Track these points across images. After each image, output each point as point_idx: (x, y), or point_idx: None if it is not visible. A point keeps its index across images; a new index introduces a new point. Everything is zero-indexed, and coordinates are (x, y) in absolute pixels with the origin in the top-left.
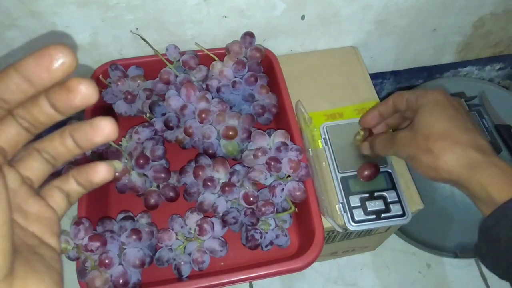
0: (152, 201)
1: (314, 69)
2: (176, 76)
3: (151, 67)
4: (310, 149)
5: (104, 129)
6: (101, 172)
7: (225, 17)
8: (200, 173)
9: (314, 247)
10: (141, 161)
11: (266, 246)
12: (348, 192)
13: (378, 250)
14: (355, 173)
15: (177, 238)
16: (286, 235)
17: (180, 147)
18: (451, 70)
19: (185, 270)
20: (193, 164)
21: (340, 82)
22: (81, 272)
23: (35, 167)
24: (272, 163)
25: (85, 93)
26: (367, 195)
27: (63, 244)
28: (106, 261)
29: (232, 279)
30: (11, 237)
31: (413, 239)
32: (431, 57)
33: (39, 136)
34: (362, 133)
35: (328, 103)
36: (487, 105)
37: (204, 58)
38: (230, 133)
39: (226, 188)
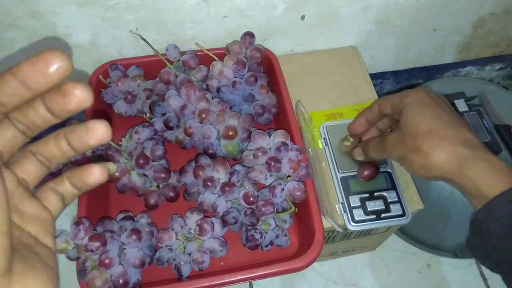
0: (152, 201)
1: (314, 69)
2: (176, 76)
3: (151, 67)
4: (310, 149)
5: (98, 132)
6: (95, 174)
7: (225, 17)
8: (200, 173)
9: (314, 247)
10: (141, 161)
11: (266, 246)
12: (348, 192)
13: (378, 250)
14: (355, 173)
15: (177, 238)
16: (286, 235)
17: (180, 147)
18: (451, 70)
19: (185, 270)
20: (193, 164)
21: (340, 82)
22: (81, 272)
23: (30, 169)
24: (272, 163)
25: (80, 97)
26: (367, 195)
27: (63, 244)
28: (106, 261)
29: (232, 279)
30: (10, 235)
31: (413, 239)
32: (431, 57)
33: (35, 139)
34: (351, 139)
35: (328, 103)
36: (487, 105)
37: (204, 58)
38: (230, 133)
39: (226, 188)
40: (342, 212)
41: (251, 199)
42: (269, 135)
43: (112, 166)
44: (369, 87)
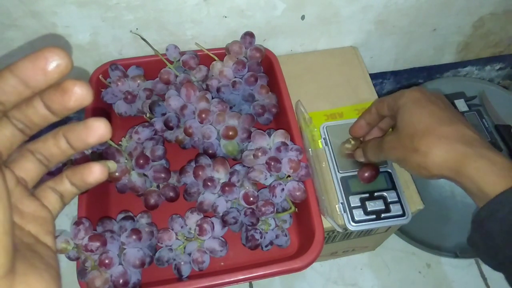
0: (152, 201)
1: (314, 69)
2: (176, 76)
3: (151, 67)
4: (310, 149)
5: (97, 130)
6: (95, 173)
7: (225, 17)
8: (200, 173)
9: (314, 247)
10: (141, 161)
11: (266, 246)
12: (348, 192)
13: (378, 250)
14: (355, 173)
15: (177, 238)
16: (286, 235)
17: (180, 147)
18: (451, 70)
19: (185, 270)
20: (193, 164)
21: (340, 82)
22: (81, 272)
23: (29, 168)
24: (272, 163)
25: (79, 95)
26: (367, 195)
27: (63, 244)
28: (106, 261)
29: (232, 279)
30: (12, 235)
31: (413, 239)
32: (431, 57)
33: (33, 137)
34: (353, 142)
35: (328, 103)
36: (487, 105)
37: (204, 58)
38: (230, 133)
39: (226, 188)
40: (342, 212)
41: (251, 199)
42: (269, 135)
43: (112, 164)
44: (369, 87)
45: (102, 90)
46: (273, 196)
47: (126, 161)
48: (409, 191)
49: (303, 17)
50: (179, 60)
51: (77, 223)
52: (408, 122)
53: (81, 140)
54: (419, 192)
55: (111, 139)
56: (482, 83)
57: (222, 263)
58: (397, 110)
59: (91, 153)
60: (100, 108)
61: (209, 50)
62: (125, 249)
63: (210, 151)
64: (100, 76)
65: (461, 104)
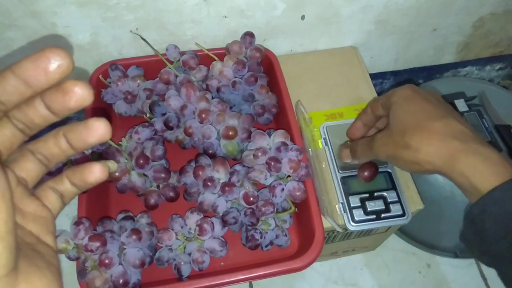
0: (152, 201)
1: (314, 69)
2: (176, 76)
3: (151, 67)
4: (310, 149)
5: (98, 130)
6: (95, 172)
7: (225, 17)
8: (200, 173)
9: (314, 247)
10: (141, 161)
11: (266, 246)
12: (348, 192)
13: (378, 250)
14: (355, 173)
15: (177, 238)
16: (286, 235)
17: (180, 147)
18: (451, 70)
19: (185, 270)
20: (193, 164)
21: (340, 82)
22: (81, 272)
23: (29, 168)
24: (272, 163)
25: (80, 95)
26: (367, 195)
27: (63, 244)
28: (106, 261)
29: (232, 279)
30: (15, 234)
31: (413, 239)
32: (431, 57)
33: (34, 137)
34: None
35: (328, 103)
36: (487, 105)
37: (204, 58)
38: (230, 133)
39: (226, 188)
40: (342, 212)
41: (251, 199)
42: (269, 135)
43: (112, 164)
44: (369, 87)
45: (102, 90)
46: (273, 196)
47: (126, 161)
48: (409, 191)
49: (303, 17)
50: (179, 60)
51: (77, 223)
52: (400, 119)
53: (81, 140)
54: (419, 192)
55: (111, 139)
56: (482, 83)
57: (222, 263)
58: (389, 107)
59: (91, 153)
60: (100, 108)
61: (209, 50)
62: (125, 249)
63: (210, 151)
64: (100, 76)
65: (461, 104)
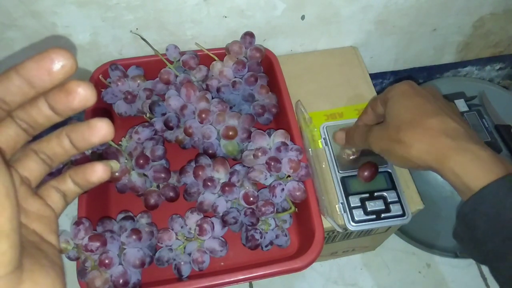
0: (152, 201)
1: (314, 69)
2: (176, 76)
3: (151, 67)
4: (310, 149)
5: (101, 130)
6: (98, 172)
7: (225, 17)
8: (200, 173)
9: (314, 247)
10: (141, 161)
11: (266, 246)
12: (348, 192)
13: (378, 250)
14: (355, 173)
15: (177, 238)
16: (286, 235)
17: (180, 147)
18: (451, 70)
19: (185, 270)
20: (193, 164)
21: (340, 82)
22: (81, 272)
23: (32, 168)
24: (272, 163)
25: (83, 95)
26: (367, 195)
27: (63, 244)
28: (106, 261)
29: (232, 279)
30: (20, 232)
31: (413, 239)
32: (431, 57)
33: (37, 137)
34: (354, 149)
35: (328, 103)
36: (487, 105)
37: (204, 58)
38: (230, 133)
39: (226, 188)
40: (342, 212)
41: (251, 199)
42: (269, 135)
43: (115, 164)
44: (369, 87)
45: (102, 90)
46: (273, 196)
47: (126, 161)
48: (409, 191)
49: (303, 17)
50: (179, 60)
51: (77, 223)
52: (395, 114)
53: (84, 140)
54: (419, 192)
55: (111, 140)
56: (482, 83)
57: (222, 263)
58: (386, 102)
59: (91, 153)
60: (101, 108)
61: (209, 50)
62: (125, 249)
63: (210, 151)
64: (100, 76)
65: (461, 104)
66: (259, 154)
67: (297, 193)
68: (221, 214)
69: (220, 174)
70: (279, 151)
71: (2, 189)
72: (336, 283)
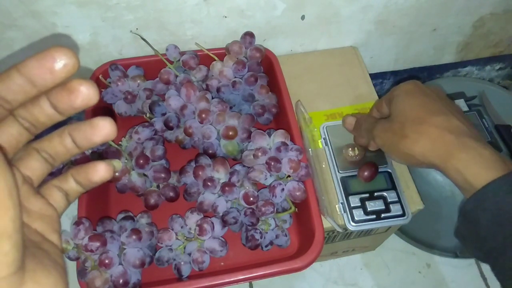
0: (152, 201)
1: (314, 69)
2: (176, 76)
3: (151, 67)
4: (310, 149)
5: (103, 129)
6: (100, 171)
7: (225, 17)
8: (200, 173)
9: (314, 247)
10: (141, 161)
11: (266, 246)
12: (348, 192)
13: (378, 250)
14: (355, 173)
15: (177, 238)
16: (286, 235)
17: (180, 147)
18: (451, 70)
19: (185, 270)
20: (193, 164)
21: (340, 82)
22: (81, 272)
23: (34, 167)
24: (272, 163)
25: (86, 94)
26: (367, 195)
27: (63, 244)
28: (106, 261)
29: (232, 279)
30: (22, 231)
31: (413, 239)
32: (431, 57)
33: (38, 136)
34: (357, 150)
35: (328, 103)
36: (487, 105)
37: (204, 58)
38: (230, 133)
39: (226, 188)
40: (342, 212)
41: (251, 199)
42: (269, 135)
43: (117, 164)
44: (369, 87)
45: (102, 90)
46: (273, 196)
47: (126, 161)
48: (409, 191)
49: (303, 17)
50: (179, 60)
51: (77, 223)
52: (400, 111)
53: (86, 139)
54: (419, 192)
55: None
56: (482, 83)
57: (222, 263)
58: (391, 101)
59: (91, 153)
60: (103, 108)
61: (209, 50)
62: (125, 249)
63: (210, 151)
64: (100, 76)
65: (461, 104)
66: (259, 154)
67: (297, 193)
68: (221, 214)
69: (220, 174)
70: (279, 151)
71: (4, 189)
72: (336, 283)
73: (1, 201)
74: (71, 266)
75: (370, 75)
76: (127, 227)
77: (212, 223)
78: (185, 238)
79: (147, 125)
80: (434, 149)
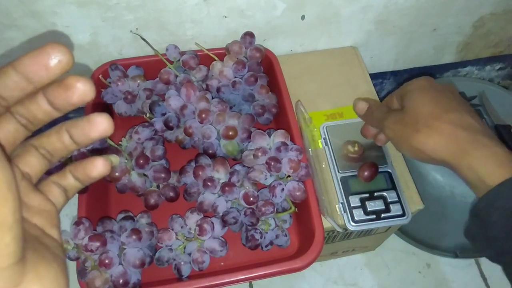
0: (152, 201)
1: (314, 69)
2: (176, 76)
3: (151, 67)
4: (310, 149)
5: (100, 125)
6: (98, 166)
7: (225, 17)
8: (200, 173)
9: (314, 247)
10: (141, 161)
11: (266, 246)
12: (348, 192)
13: (378, 250)
14: (355, 173)
15: (177, 238)
16: (286, 235)
17: (180, 147)
18: (451, 70)
19: (185, 270)
20: (193, 164)
21: (340, 82)
22: (81, 272)
23: (32, 163)
24: (272, 163)
25: (82, 91)
26: (367, 195)
27: (63, 245)
28: (106, 261)
29: (232, 279)
30: (22, 224)
31: (413, 239)
32: (431, 57)
33: (36, 133)
34: (357, 147)
35: (328, 103)
36: (487, 105)
37: (204, 58)
38: (230, 133)
39: (226, 188)
40: (342, 212)
41: (251, 199)
42: (269, 135)
43: (114, 159)
44: (369, 87)
45: (102, 90)
46: (273, 196)
47: (126, 161)
48: (409, 191)
49: (303, 17)
50: (179, 60)
51: (77, 223)
52: (414, 106)
53: (84, 135)
54: (419, 192)
55: (111, 139)
56: (482, 83)
57: (222, 263)
58: (404, 96)
59: (90, 152)
60: (102, 104)
61: (209, 50)
62: (125, 249)
63: (210, 151)
64: (100, 76)
65: None
66: (259, 154)
67: (297, 193)
68: (221, 214)
69: (220, 174)
70: (279, 151)
71: (4, 181)
72: (336, 283)
73: (0, 193)
74: (71, 266)
75: (370, 75)
76: (127, 227)
77: (212, 223)
78: (185, 238)
79: (147, 125)
80: (447, 145)
